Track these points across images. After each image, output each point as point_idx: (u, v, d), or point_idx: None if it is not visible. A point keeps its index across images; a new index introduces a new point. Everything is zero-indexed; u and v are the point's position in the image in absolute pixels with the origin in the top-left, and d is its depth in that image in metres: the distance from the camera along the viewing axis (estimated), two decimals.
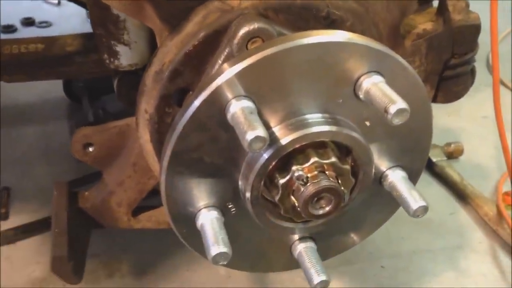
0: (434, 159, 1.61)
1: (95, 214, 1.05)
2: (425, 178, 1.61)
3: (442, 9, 1.02)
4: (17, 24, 1.46)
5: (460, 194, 1.53)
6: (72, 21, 1.42)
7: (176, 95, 0.83)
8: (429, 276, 1.31)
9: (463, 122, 1.85)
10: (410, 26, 1.02)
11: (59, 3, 2.15)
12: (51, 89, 1.88)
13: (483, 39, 1.06)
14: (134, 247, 1.35)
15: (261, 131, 0.64)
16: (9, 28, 1.46)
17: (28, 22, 1.48)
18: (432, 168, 1.61)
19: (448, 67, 1.06)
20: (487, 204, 1.45)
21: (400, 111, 0.66)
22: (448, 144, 1.67)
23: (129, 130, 1.00)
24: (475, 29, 1.03)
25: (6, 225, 1.37)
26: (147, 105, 0.86)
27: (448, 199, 1.54)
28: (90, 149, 1.01)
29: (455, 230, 1.44)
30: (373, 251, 1.36)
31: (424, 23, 1.02)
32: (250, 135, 0.63)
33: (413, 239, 1.41)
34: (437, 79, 1.06)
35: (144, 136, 0.90)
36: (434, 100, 1.11)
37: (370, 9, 0.90)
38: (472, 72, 1.11)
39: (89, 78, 1.74)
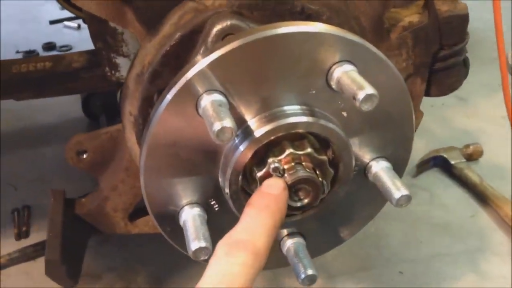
0: (452, 162, 1.58)
1: (92, 220, 1.07)
2: (444, 180, 1.60)
3: (428, 1, 1.01)
4: (39, 49, 1.51)
5: (480, 196, 1.50)
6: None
7: (157, 95, 0.85)
8: (448, 280, 1.27)
9: (482, 123, 1.81)
10: (396, 20, 1.01)
11: (79, 27, 2.21)
12: (70, 109, 1.93)
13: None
14: (151, 259, 1.36)
15: (227, 122, 0.64)
16: (31, 53, 1.51)
17: (50, 46, 1.54)
18: (451, 171, 1.58)
19: (438, 59, 1.05)
20: (508, 205, 1.42)
21: (368, 97, 0.66)
22: (467, 146, 1.63)
23: (120, 136, 1.02)
24: (463, 19, 1.02)
25: (26, 242, 1.41)
26: (131, 107, 0.88)
27: (468, 201, 1.51)
28: (84, 155, 1.03)
29: (475, 233, 1.40)
30: (391, 256, 1.33)
31: (410, 16, 1.01)
32: (216, 126, 0.63)
33: (431, 243, 1.37)
34: (427, 72, 1.05)
35: (131, 139, 0.92)
36: (428, 93, 1.09)
37: (350, 3, 0.90)
38: (465, 63, 1.10)
39: (106, 96, 1.78)
